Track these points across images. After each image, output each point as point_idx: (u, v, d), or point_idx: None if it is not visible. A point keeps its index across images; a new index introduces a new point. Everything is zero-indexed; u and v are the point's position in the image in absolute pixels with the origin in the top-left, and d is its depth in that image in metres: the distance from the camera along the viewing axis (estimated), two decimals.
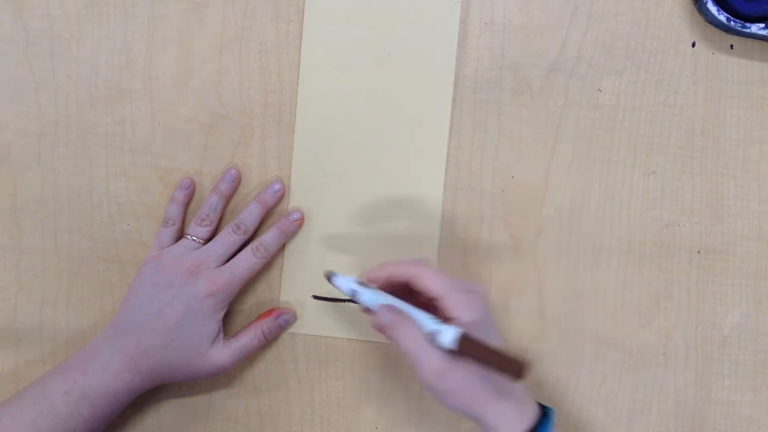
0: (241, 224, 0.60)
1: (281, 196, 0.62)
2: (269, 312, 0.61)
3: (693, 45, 0.62)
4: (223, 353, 0.59)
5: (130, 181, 0.63)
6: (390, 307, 0.54)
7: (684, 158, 0.63)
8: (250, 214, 0.61)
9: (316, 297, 0.61)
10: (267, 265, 0.61)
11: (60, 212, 0.63)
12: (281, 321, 0.61)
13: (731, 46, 0.62)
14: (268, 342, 0.62)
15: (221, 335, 0.59)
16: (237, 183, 0.62)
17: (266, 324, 0.61)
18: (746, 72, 0.62)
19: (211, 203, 0.61)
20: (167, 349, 0.57)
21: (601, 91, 0.62)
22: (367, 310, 0.55)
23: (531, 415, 0.53)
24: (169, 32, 0.63)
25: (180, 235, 0.62)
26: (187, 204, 0.63)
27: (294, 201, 0.63)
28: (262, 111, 0.63)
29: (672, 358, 0.62)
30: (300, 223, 0.62)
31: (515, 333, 0.62)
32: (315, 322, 0.62)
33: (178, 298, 0.57)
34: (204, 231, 0.60)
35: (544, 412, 0.54)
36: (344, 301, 0.57)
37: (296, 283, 0.62)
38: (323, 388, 0.63)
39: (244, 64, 0.63)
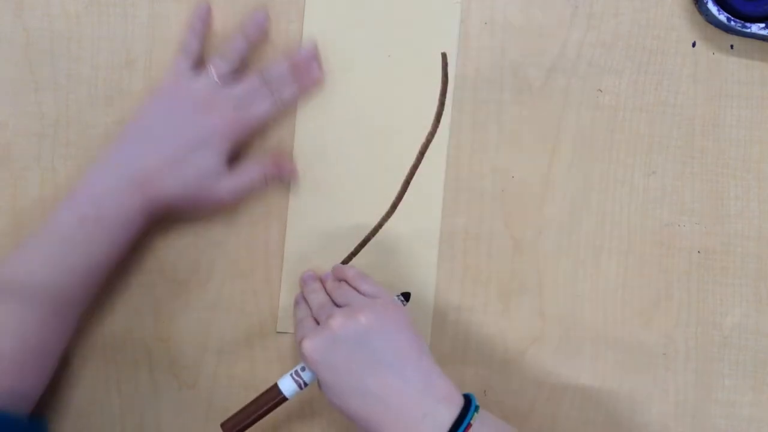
0: (268, 78, 0.60)
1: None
2: (275, 161, 0.61)
3: (693, 45, 0.62)
4: (226, 185, 0.59)
5: None
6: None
7: (684, 158, 0.63)
8: (278, 72, 0.60)
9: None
10: (266, 261, 0.61)
11: None
12: (284, 175, 0.62)
13: (731, 46, 0.62)
14: (268, 185, 0.62)
15: (225, 172, 0.59)
16: (263, 30, 0.62)
17: (269, 170, 0.61)
18: (746, 72, 0.62)
19: (235, 45, 0.60)
20: (172, 175, 0.57)
21: (601, 91, 0.62)
22: None
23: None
24: (169, 32, 0.63)
25: (198, 67, 0.61)
26: (205, 35, 0.62)
27: (294, 201, 0.63)
28: None
29: (672, 358, 0.62)
30: (319, 76, 0.62)
31: (515, 333, 0.62)
32: None
33: (190, 127, 0.58)
34: (224, 67, 0.60)
35: (466, 402, 0.51)
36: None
37: (296, 282, 0.62)
38: None
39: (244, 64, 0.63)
